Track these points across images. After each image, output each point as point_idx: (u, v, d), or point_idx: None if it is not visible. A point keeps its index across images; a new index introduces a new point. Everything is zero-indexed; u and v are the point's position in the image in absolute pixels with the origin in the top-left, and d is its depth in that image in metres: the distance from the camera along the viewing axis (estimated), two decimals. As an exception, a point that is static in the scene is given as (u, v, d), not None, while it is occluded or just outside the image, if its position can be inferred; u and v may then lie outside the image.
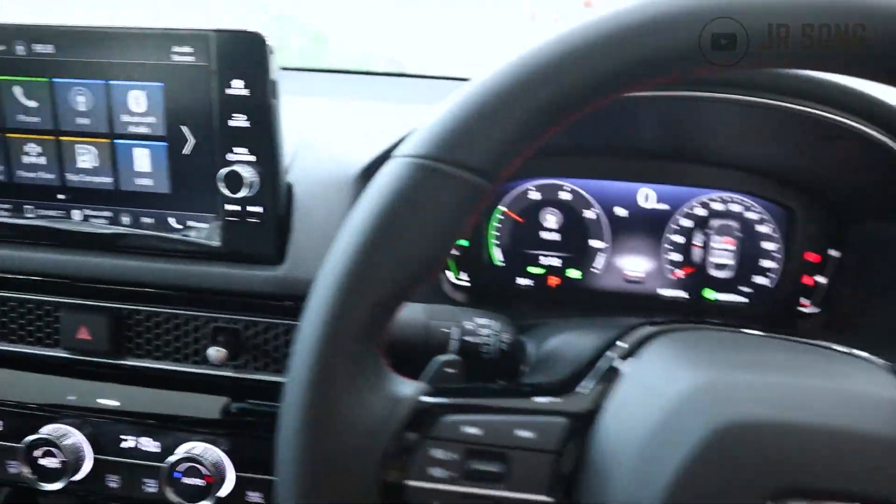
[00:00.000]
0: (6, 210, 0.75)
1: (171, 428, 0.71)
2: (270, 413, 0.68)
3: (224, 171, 0.66)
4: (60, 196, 0.73)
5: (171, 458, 0.68)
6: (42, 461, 0.71)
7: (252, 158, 0.66)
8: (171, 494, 0.68)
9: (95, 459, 0.73)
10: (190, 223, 0.70)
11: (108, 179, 0.71)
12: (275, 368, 0.71)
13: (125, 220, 0.72)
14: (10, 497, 0.91)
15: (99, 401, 0.74)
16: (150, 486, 0.72)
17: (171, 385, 0.74)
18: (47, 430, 0.71)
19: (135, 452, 0.72)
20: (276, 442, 0.40)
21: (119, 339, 0.74)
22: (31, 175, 0.73)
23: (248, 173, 0.66)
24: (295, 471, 0.39)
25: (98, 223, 0.72)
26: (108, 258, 0.71)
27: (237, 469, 0.69)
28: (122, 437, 0.72)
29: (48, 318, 0.76)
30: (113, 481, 0.73)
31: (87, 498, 0.86)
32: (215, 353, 0.68)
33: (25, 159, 0.73)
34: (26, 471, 0.71)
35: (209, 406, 0.72)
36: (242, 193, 0.66)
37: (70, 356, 0.75)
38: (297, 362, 0.40)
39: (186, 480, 0.67)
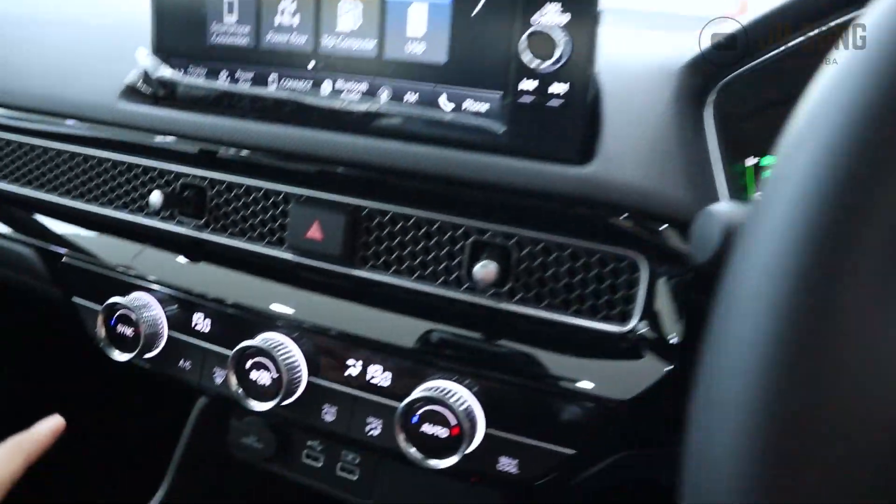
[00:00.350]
0: (247, 80, 0.64)
1: (410, 359, 0.57)
2: (534, 361, 0.52)
3: (528, 32, 0.50)
4: (311, 64, 0.61)
5: (411, 398, 0.53)
6: (252, 375, 0.59)
7: (565, 18, 0.50)
8: (404, 443, 0.53)
9: (310, 383, 0.60)
10: (467, 103, 0.55)
11: (371, 44, 0.58)
12: (549, 303, 0.54)
13: (384, 95, 0.58)
14: (206, 408, 0.82)
15: (323, 316, 0.61)
16: (375, 428, 0.58)
17: (410, 308, 0.59)
18: (262, 339, 0.59)
19: (361, 383, 0.58)
20: (719, 403, 0.24)
21: (355, 243, 0.61)
22: (282, 38, 0.61)
23: (559, 37, 0.49)
24: (766, 456, 0.22)
25: (351, 98, 0.59)
26: (356, 139, 0.58)
27: (488, 424, 0.53)
28: (347, 361, 0.58)
29: (275, 210, 0.65)
30: (329, 413, 0.60)
31: (291, 426, 0.75)
32: (483, 270, 0.52)
33: (278, 20, 0.61)
34: (234, 383, 0.59)
35: (459, 341, 0.57)
36: (550, 63, 0.50)
37: (296, 258, 0.63)
38: (778, 271, 0.22)
39: (427, 428, 0.52)
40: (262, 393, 0.59)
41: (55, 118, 0.75)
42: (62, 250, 0.73)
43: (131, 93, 0.70)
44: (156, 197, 0.66)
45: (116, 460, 1.33)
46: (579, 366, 0.53)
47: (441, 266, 0.58)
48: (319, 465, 0.82)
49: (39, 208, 0.78)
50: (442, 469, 0.51)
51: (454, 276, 0.57)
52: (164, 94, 0.68)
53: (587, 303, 0.53)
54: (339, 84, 0.60)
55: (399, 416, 0.53)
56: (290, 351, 0.59)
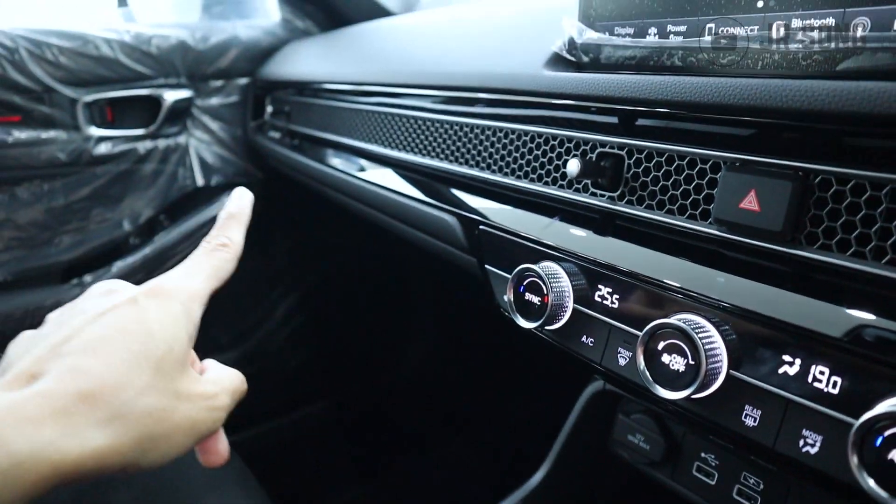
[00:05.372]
0: (679, 33, 0.58)
1: (867, 365, 0.44)
2: None
3: None
4: (760, 2, 0.52)
5: (873, 412, 0.41)
6: (664, 358, 0.52)
7: None
8: (858, 472, 0.41)
9: (730, 376, 0.51)
10: None
11: (846, -31, 0.47)
12: None
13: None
14: (594, 396, 0.79)
15: (753, 301, 0.51)
16: (812, 444, 0.46)
17: (872, 300, 0.46)
18: (679, 321, 0.52)
19: (798, 386, 0.47)
20: None
21: (800, 217, 0.50)
22: (724, -19, 0.54)
23: None
24: None
25: (813, 36, 0.49)
26: (819, 83, 0.47)
27: None
28: (783, 356, 0.48)
29: (701, 179, 0.57)
30: (750, 416, 0.50)
31: (691, 430, 0.67)
32: None
33: (721, -39, 0.54)
34: (641, 363, 0.53)
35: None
36: None
37: (723, 234, 0.54)
38: None
39: (902, 454, 0.39)
40: (672, 380, 0.52)
41: (481, 95, 0.79)
42: (479, 219, 0.76)
43: (556, 61, 0.69)
44: (573, 165, 0.64)
45: (503, 432, 1.39)
46: None
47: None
48: (712, 482, 0.72)
49: (462, 182, 0.83)
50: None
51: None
52: (589, 59, 0.66)
53: None
54: (796, 23, 0.50)
55: (854, 436, 0.41)
56: (712, 336, 0.50)
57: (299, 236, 1.66)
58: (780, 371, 0.48)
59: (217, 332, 1.58)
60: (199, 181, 1.48)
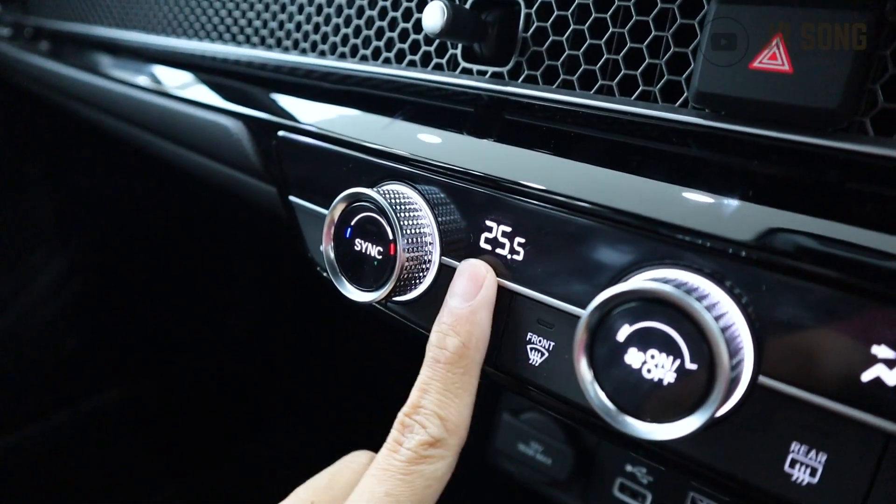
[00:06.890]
0: None
1: None
2: None
3: None
4: None
5: None
6: (630, 358, 0.27)
7: None
8: None
9: (761, 387, 0.27)
10: None
11: None
12: None
13: None
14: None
15: (776, 244, 0.27)
16: None
17: None
18: (651, 281, 0.26)
19: (873, 397, 0.24)
20: None
21: (862, 89, 0.26)
22: None
23: None
24: None
25: None
26: None
27: None
28: (875, 351, 0.24)
29: (664, 26, 0.32)
30: (802, 463, 0.26)
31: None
32: None
33: None
34: (586, 377, 0.28)
35: None
36: None
37: (717, 125, 0.29)
38: None
39: None
40: (655, 402, 0.26)
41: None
42: (277, 120, 0.46)
43: None
44: (434, 15, 0.36)
45: (350, 424, 1.13)
46: None
47: None
48: (642, 507, 0.49)
49: (252, 76, 0.53)
50: None
51: None
52: None
53: None
54: None
55: None
56: (725, 311, 0.25)
57: (67, 180, 1.26)
58: (866, 377, 0.24)
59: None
60: None
